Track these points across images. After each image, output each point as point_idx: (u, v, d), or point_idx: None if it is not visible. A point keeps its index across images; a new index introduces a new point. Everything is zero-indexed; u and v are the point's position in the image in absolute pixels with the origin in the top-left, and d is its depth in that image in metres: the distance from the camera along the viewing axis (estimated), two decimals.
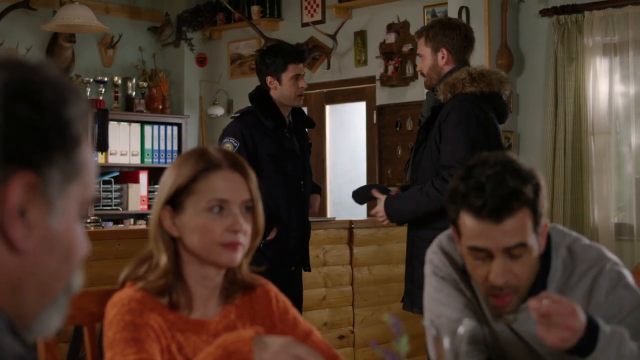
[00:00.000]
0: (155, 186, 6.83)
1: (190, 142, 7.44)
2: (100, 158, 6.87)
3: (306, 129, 4.32)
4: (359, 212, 6.78)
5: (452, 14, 5.71)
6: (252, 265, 1.99)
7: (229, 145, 3.99)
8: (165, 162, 7.17)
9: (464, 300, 2.00)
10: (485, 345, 2.01)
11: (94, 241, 4.10)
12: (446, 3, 5.91)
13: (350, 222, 5.29)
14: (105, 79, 7.10)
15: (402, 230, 4.26)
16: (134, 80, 7.33)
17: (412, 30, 6.43)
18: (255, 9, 7.19)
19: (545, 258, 1.96)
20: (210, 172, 1.86)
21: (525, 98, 5.83)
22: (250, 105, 4.16)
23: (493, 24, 5.68)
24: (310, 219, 4.32)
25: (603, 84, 5.46)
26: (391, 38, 6.46)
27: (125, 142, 7.03)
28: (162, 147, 7.24)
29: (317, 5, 6.97)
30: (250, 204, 1.89)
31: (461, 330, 1.52)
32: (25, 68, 0.95)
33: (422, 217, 3.61)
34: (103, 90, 7.08)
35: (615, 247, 5.26)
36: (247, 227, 1.88)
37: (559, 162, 5.52)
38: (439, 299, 2.03)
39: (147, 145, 7.16)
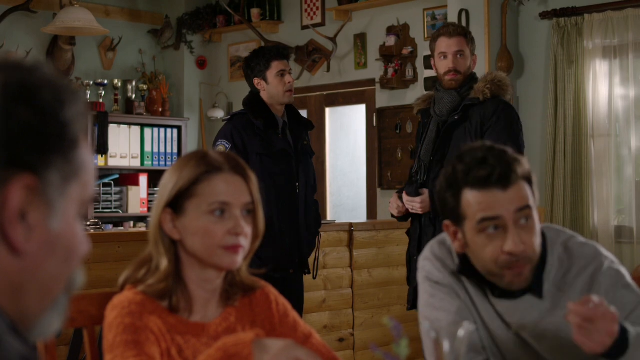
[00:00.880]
0: (155, 189, 6.83)
1: (190, 144, 7.44)
2: (100, 161, 6.87)
3: (307, 131, 4.32)
4: (359, 214, 6.79)
5: (452, 16, 5.72)
6: (249, 267, 1.99)
7: (222, 147, 4.02)
8: (165, 165, 7.17)
9: (457, 304, 2.01)
10: (483, 347, 2.02)
11: (94, 244, 4.09)
12: (446, 6, 5.91)
13: (350, 224, 5.29)
14: (105, 81, 7.11)
15: (402, 233, 4.26)
16: (134, 83, 7.33)
17: (412, 33, 6.44)
18: (255, 11, 7.20)
19: (541, 255, 1.98)
20: (212, 174, 1.87)
21: (525, 101, 5.83)
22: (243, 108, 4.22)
23: (493, 26, 5.68)
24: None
25: (603, 86, 5.46)
26: (391, 41, 6.46)
27: (125, 145, 7.03)
28: (162, 150, 7.24)
29: (317, 8, 6.97)
30: (251, 206, 1.90)
31: (461, 333, 1.52)
32: (22, 70, 0.95)
33: None
34: (103, 92, 7.08)
35: (615, 250, 5.26)
36: (248, 229, 1.88)
37: (559, 164, 5.52)
38: (433, 304, 2.03)
39: (147, 148, 7.16)
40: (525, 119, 5.83)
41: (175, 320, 1.86)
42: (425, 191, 3.83)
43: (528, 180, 1.92)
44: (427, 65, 5.99)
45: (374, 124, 6.64)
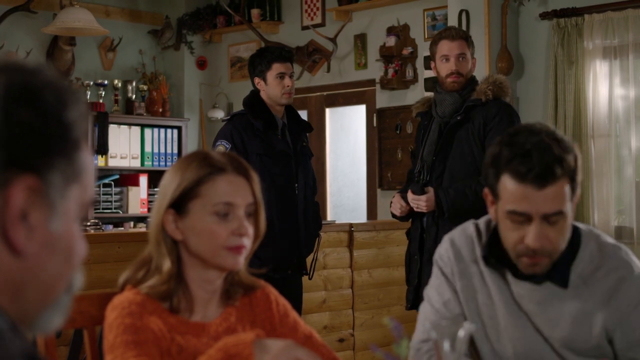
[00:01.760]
0: (156, 189, 6.83)
1: (190, 145, 7.44)
2: (100, 161, 6.87)
3: (306, 133, 4.32)
4: (359, 215, 6.79)
5: (452, 17, 5.72)
6: (248, 267, 1.99)
7: (222, 147, 4.02)
8: (166, 165, 7.17)
9: (449, 295, 2.09)
10: (472, 341, 2.05)
11: (94, 244, 4.12)
12: (446, 6, 5.91)
13: (350, 225, 5.29)
14: (106, 82, 7.11)
15: (402, 234, 4.26)
16: (134, 83, 7.33)
17: (412, 34, 6.44)
18: (255, 12, 7.20)
19: (573, 245, 2.00)
20: (216, 175, 1.87)
21: (525, 101, 5.83)
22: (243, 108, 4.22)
23: (493, 27, 5.68)
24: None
25: (603, 87, 5.46)
26: (391, 41, 6.47)
27: (125, 145, 7.03)
28: (162, 150, 7.24)
29: (317, 9, 6.97)
30: (254, 207, 1.90)
31: (461, 333, 1.52)
32: (24, 71, 0.95)
33: (464, 214, 3.68)
34: (103, 93, 7.08)
35: None
36: (251, 230, 1.89)
37: None
38: (432, 284, 2.15)
39: (147, 148, 7.16)
40: (526, 119, 5.83)
41: (176, 320, 1.86)
42: (431, 189, 3.88)
43: (571, 177, 1.91)
44: (427, 66, 5.99)
45: (374, 125, 6.64)
